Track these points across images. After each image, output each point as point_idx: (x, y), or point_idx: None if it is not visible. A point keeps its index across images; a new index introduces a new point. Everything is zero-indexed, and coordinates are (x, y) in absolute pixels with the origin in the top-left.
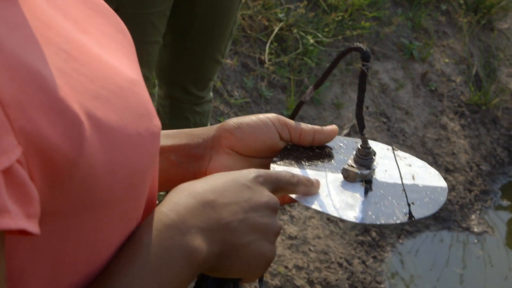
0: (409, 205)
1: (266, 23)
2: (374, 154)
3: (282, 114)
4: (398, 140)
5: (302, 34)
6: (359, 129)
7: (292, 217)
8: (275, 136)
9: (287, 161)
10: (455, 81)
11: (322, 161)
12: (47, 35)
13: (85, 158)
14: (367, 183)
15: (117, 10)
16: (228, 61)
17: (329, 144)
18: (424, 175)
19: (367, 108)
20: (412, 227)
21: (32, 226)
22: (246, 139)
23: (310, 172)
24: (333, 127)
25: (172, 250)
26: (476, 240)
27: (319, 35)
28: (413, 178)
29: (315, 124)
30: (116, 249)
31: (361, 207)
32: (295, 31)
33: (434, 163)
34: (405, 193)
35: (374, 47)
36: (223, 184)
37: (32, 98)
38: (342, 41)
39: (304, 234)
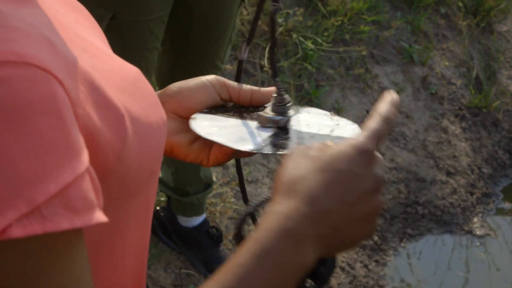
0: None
1: (266, 28)
2: (289, 101)
3: None
4: (399, 143)
5: (302, 39)
6: (272, 75)
7: None
8: (214, 96)
9: (208, 113)
10: (456, 84)
11: (249, 114)
12: (68, 35)
13: (127, 151)
14: (281, 129)
15: (114, 17)
16: (228, 66)
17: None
18: (345, 131)
19: (367, 112)
20: (414, 230)
21: (104, 217)
22: (187, 102)
23: (231, 121)
24: (271, 88)
25: (290, 259)
26: (478, 243)
27: (319, 39)
28: (332, 131)
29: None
30: (140, 237)
31: (262, 142)
32: (294, 36)
33: (436, 166)
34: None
35: (373, 51)
36: (332, 179)
37: (87, 95)
38: (341, 45)
39: None
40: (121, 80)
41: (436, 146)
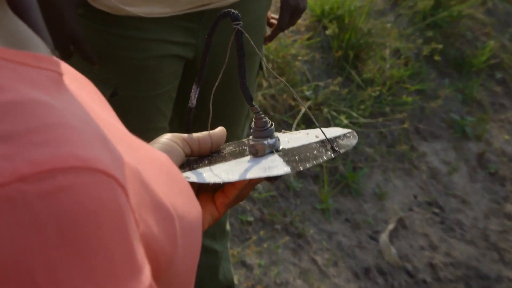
0: (330, 141)
1: (292, 103)
2: (272, 124)
3: (315, 208)
4: (455, 234)
5: (334, 113)
6: (246, 100)
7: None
8: (181, 154)
9: (189, 170)
10: None
11: (225, 158)
12: (102, 123)
13: (177, 254)
14: (277, 151)
15: (114, 94)
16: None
17: (223, 147)
18: (328, 132)
19: (415, 197)
20: None
21: None
22: None
23: (223, 166)
24: (221, 128)
25: None
26: None
27: (354, 113)
28: (317, 136)
29: (355, 218)
30: None
31: (285, 163)
32: (325, 110)
33: (501, 260)
34: (323, 132)
35: (419, 125)
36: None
37: (141, 197)
38: (381, 119)
39: None
40: (160, 172)
41: (500, 236)
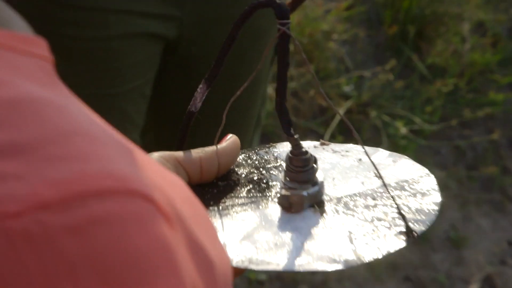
0: (403, 216)
1: (324, 103)
2: (315, 160)
3: None
4: None
5: (386, 118)
6: (283, 127)
7: None
8: None
9: None
10: None
11: (238, 196)
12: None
13: None
14: (320, 206)
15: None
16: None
17: (233, 167)
18: (390, 168)
19: (510, 244)
20: None
21: None
22: None
23: (232, 227)
24: (232, 137)
25: None
26: None
27: (416, 119)
28: (378, 176)
29: (420, 275)
30: None
31: (335, 246)
32: (373, 113)
33: None
34: (394, 199)
35: None
36: None
37: (181, 236)
38: (457, 127)
39: None
40: (185, 204)
41: None
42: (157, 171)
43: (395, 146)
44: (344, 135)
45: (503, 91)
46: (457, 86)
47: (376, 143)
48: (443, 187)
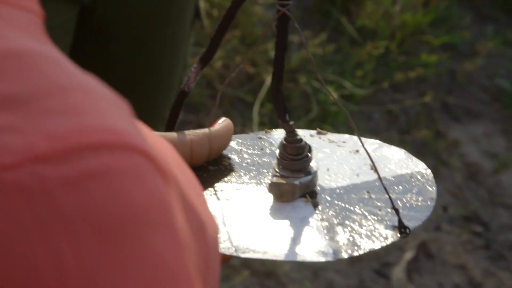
0: (396, 210)
1: (251, 70)
2: (310, 149)
3: None
4: (508, 263)
5: (317, 84)
6: (278, 113)
7: None
8: None
9: None
10: None
11: (228, 182)
12: None
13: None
14: (312, 197)
15: None
16: None
17: (225, 152)
18: (386, 161)
19: (444, 209)
20: None
21: None
22: None
23: (218, 207)
24: (225, 120)
25: None
26: None
27: (348, 83)
28: (373, 168)
29: None
30: None
31: (325, 237)
32: (303, 79)
33: None
34: (387, 193)
35: (448, 98)
36: None
37: (175, 194)
38: (389, 91)
39: None
40: (178, 168)
41: None
42: (148, 132)
43: (326, 112)
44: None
45: (436, 52)
46: (388, 48)
47: (306, 110)
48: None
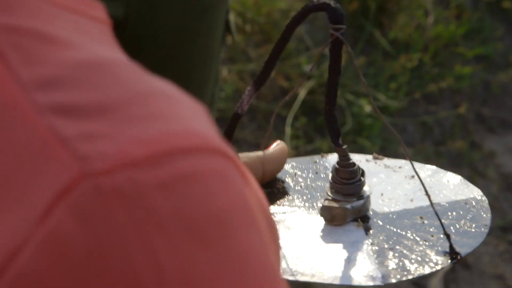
0: (447, 236)
1: (285, 84)
2: (363, 173)
3: None
4: None
5: (350, 97)
6: (331, 137)
7: None
8: None
9: None
10: None
11: (281, 205)
12: None
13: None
14: (364, 221)
15: None
16: None
17: (279, 175)
18: (442, 187)
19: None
20: None
21: None
22: None
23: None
24: (279, 144)
25: None
26: None
27: (381, 96)
28: (412, 199)
29: None
30: None
31: (374, 262)
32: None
33: None
34: (439, 218)
35: (483, 110)
36: None
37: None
38: (423, 103)
39: None
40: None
41: None
42: None
43: (360, 125)
44: (308, 116)
45: (469, 64)
46: (422, 61)
47: (341, 123)
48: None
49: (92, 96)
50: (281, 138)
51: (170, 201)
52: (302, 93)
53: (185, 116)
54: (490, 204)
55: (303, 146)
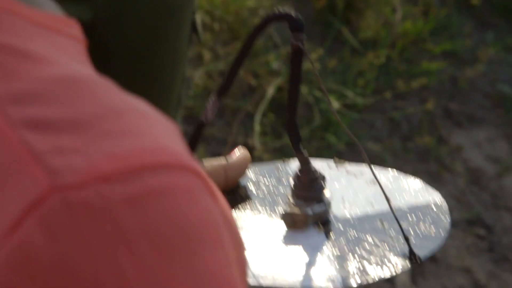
0: (407, 239)
1: (253, 82)
2: (323, 178)
3: None
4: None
5: (319, 94)
6: (292, 143)
7: None
8: None
9: None
10: None
11: (243, 210)
12: None
13: None
14: (325, 225)
15: None
16: None
17: (242, 182)
18: (402, 191)
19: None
20: None
21: None
22: None
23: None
24: (242, 151)
25: None
26: None
27: (349, 92)
28: (373, 204)
29: None
30: None
31: (335, 265)
32: (305, 90)
33: None
34: (398, 222)
35: (449, 105)
36: None
37: None
38: (391, 99)
39: None
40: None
41: None
42: None
43: (328, 121)
44: (276, 113)
45: (437, 60)
46: (390, 57)
47: (309, 120)
48: (378, 160)
49: (66, 111)
50: (250, 135)
51: (137, 216)
52: (270, 90)
53: (157, 133)
54: (457, 197)
55: (271, 143)
